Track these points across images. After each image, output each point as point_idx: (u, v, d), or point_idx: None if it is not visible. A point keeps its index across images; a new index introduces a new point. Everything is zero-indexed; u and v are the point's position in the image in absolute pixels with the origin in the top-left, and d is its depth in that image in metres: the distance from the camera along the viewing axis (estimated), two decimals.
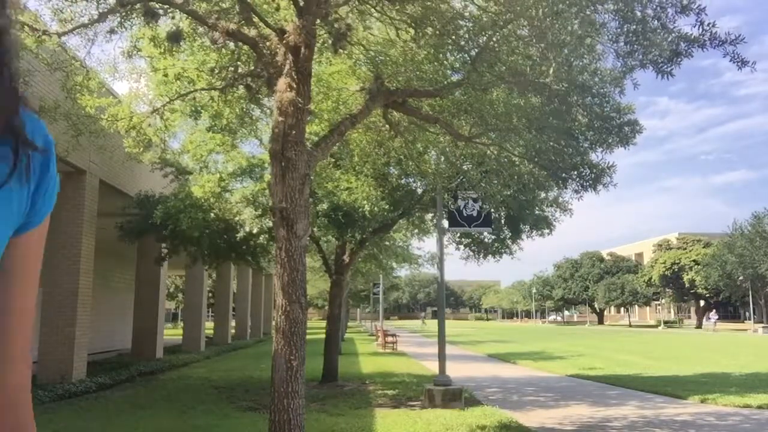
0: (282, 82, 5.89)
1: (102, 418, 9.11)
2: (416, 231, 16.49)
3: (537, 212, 13.57)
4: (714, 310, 59.85)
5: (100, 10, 6.44)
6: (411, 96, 7.55)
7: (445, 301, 13.44)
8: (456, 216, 11.91)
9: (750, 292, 55.60)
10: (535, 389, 13.65)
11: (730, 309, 75.47)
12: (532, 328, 69.26)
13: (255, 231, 12.13)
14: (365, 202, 11.22)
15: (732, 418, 9.58)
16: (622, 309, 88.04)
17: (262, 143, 12.42)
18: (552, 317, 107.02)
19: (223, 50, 7.53)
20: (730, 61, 5.79)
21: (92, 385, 11.97)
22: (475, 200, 11.82)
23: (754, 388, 12.39)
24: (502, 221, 13.80)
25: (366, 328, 59.16)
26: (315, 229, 12.07)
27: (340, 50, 6.81)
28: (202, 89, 8.32)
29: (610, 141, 8.73)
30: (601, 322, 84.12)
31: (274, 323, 5.95)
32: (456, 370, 14.52)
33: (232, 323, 29.95)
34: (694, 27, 5.85)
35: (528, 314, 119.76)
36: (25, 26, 6.51)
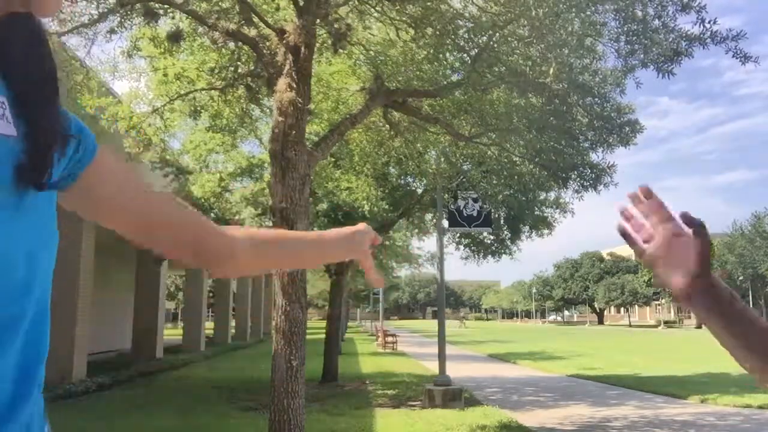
0: (282, 82, 5.89)
1: (102, 418, 9.11)
2: (416, 231, 16.49)
3: (537, 213, 13.57)
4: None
5: (100, 10, 6.43)
6: (411, 96, 7.55)
7: (445, 301, 13.44)
8: (456, 216, 11.91)
9: (750, 292, 55.61)
10: (535, 389, 13.64)
11: None
12: (532, 328, 69.26)
13: None
14: (365, 202, 11.21)
15: (732, 418, 9.58)
16: (622, 309, 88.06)
17: (262, 143, 12.41)
18: (552, 317, 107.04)
19: (223, 50, 7.53)
20: (733, 56, 5.77)
21: (92, 385, 11.97)
22: (475, 200, 11.82)
23: (754, 388, 12.39)
24: (502, 221, 13.81)
25: (366, 328, 59.17)
26: (315, 229, 12.06)
27: (340, 50, 6.81)
28: (202, 89, 8.32)
29: (610, 141, 8.71)
30: (601, 322, 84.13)
31: (274, 323, 5.95)
32: (456, 370, 14.51)
33: (232, 323, 29.95)
34: (695, 25, 5.85)
35: (528, 314, 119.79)
36: None
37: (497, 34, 6.50)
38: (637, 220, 0.93)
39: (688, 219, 0.89)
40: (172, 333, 33.89)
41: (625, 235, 0.94)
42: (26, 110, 0.68)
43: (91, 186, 0.86)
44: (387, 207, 12.16)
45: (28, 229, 0.68)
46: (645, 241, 0.92)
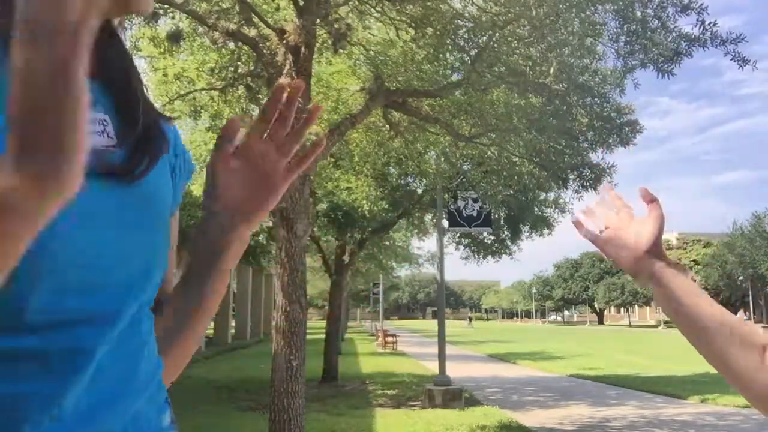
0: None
1: None
2: (416, 231, 16.50)
3: (536, 213, 13.58)
4: (742, 310, 58.36)
5: None
6: (411, 96, 7.55)
7: (445, 301, 13.44)
8: (456, 216, 11.91)
9: (750, 292, 55.61)
10: (535, 389, 13.65)
11: (730, 309, 75.34)
12: (532, 328, 69.25)
13: (255, 230, 12.12)
14: (365, 201, 11.22)
15: (732, 418, 9.58)
16: (622, 309, 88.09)
17: None
18: (552, 317, 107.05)
19: (223, 50, 7.53)
20: (731, 59, 5.78)
21: None
22: (475, 200, 11.82)
23: None
24: (502, 221, 13.81)
25: (366, 327, 59.18)
26: (315, 229, 12.07)
27: (340, 50, 6.81)
28: (202, 89, 8.32)
29: (610, 141, 8.72)
30: (601, 322, 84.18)
31: (274, 323, 5.95)
32: (456, 370, 14.51)
33: (232, 323, 29.95)
34: (695, 26, 5.86)
35: (528, 314, 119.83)
36: None
37: (497, 34, 6.50)
38: (594, 214, 1.06)
39: (646, 195, 0.99)
40: None
41: (577, 223, 1.06)
42: (125, 117, 0.73)
43: None
44: (387, 207, 12.16)
45: (135, 236, 0.70)
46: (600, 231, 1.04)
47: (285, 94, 0.79)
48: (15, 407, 0.59)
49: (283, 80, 0.84)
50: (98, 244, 0.66)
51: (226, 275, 0.87)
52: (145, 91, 0.79)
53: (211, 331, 27.23)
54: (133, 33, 7.38)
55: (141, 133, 0.73)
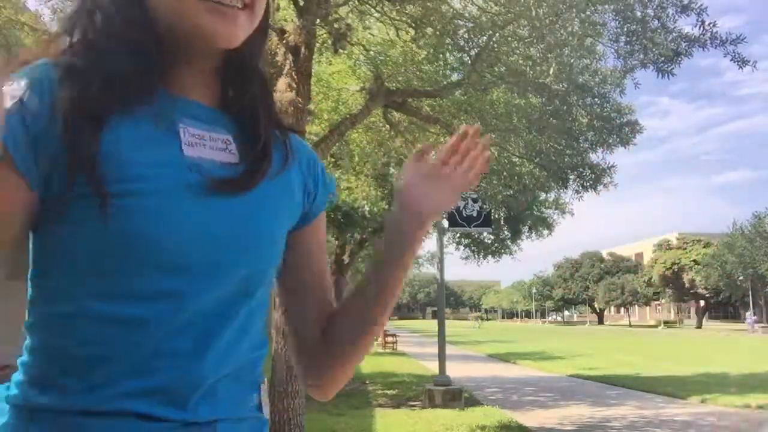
0: (282, 82, 5.89)
1: None
2: None
3: (536, 213, 13.59)
4: (752, 310, 57.47)
5: None
6: (411, 96, 7.55)
7: (445, 301, 13.45)
8: (456, 216, 11.91)
9: (750, 292, 55.62)
10: (535, 389, 13.65)
11: (730, 309, 75.45)
12: (532, 328, 69.26)
13: None
14: (365, 202, 11.22)
15: (732, 418, 9.58)
16: (622, 309, 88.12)
17: None
18: (552, 317, 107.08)
19: None
20: (731, 60, 5.79)
21: None
22: (475, 200, 11.82)
23: (754, 388, 12.39)
24: (502, 221, 13.82)
25: None
26: None
27: (340, 50, 6.81)
28: None
29: (610, 141, 8.72)
30: (601, 322, 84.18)
31: (274, 323, 5.95)
32: (456, 370, 14.51)
33: None
34: (695, 27, 5.86)
35: (528, 314, 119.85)
36: (25, 26, 6.51)
37: (497, 34, 6.51)
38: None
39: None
40: None
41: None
42: (249, 138, 0.87)
43: (302, 241, 0.99)
44: (387, 207, 12.15)
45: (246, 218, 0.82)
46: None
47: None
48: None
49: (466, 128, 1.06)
50: (198, 237, 0.77)
51: (409, 264, 0.96)
52: (272, 110, 0.93)
53: None
54: None
55: (259, 153, 0.86)
